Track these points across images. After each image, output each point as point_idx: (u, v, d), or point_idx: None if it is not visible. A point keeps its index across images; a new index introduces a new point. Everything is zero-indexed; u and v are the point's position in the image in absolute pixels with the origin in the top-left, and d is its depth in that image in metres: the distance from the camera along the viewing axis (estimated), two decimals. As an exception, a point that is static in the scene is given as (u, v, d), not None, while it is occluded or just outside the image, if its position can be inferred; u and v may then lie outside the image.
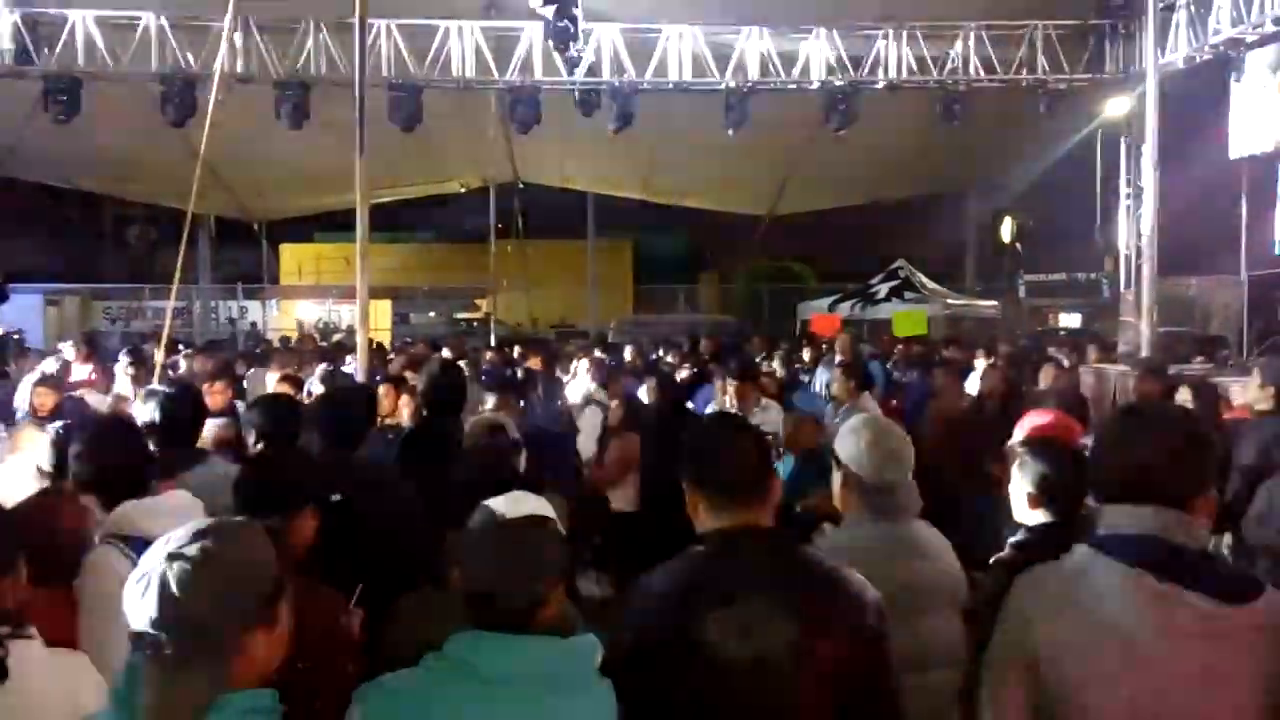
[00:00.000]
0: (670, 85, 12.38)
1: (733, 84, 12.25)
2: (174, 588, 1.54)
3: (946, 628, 2.65)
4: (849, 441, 2.78)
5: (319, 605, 2.50)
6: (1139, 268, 11.80)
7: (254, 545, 1.68)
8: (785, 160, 17.30)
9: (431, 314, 27.57)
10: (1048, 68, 12.26)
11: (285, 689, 2.18)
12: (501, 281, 21.38)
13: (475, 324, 24.52)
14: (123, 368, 7.61)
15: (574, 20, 10.52)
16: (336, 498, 3.19)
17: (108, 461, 2.88)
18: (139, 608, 1.56)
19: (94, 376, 8.75)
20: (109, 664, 2.22)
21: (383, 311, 23.94)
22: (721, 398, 6.93)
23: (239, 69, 11.53)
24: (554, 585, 1.87)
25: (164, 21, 11.62)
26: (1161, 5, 10.73)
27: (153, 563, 1.58)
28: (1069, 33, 12.36)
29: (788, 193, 20.08)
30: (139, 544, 2.68)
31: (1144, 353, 10.21)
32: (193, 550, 1.58)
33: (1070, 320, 22.25)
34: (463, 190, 21.20)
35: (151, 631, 1.54)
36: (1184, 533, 1.86)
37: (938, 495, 3.10)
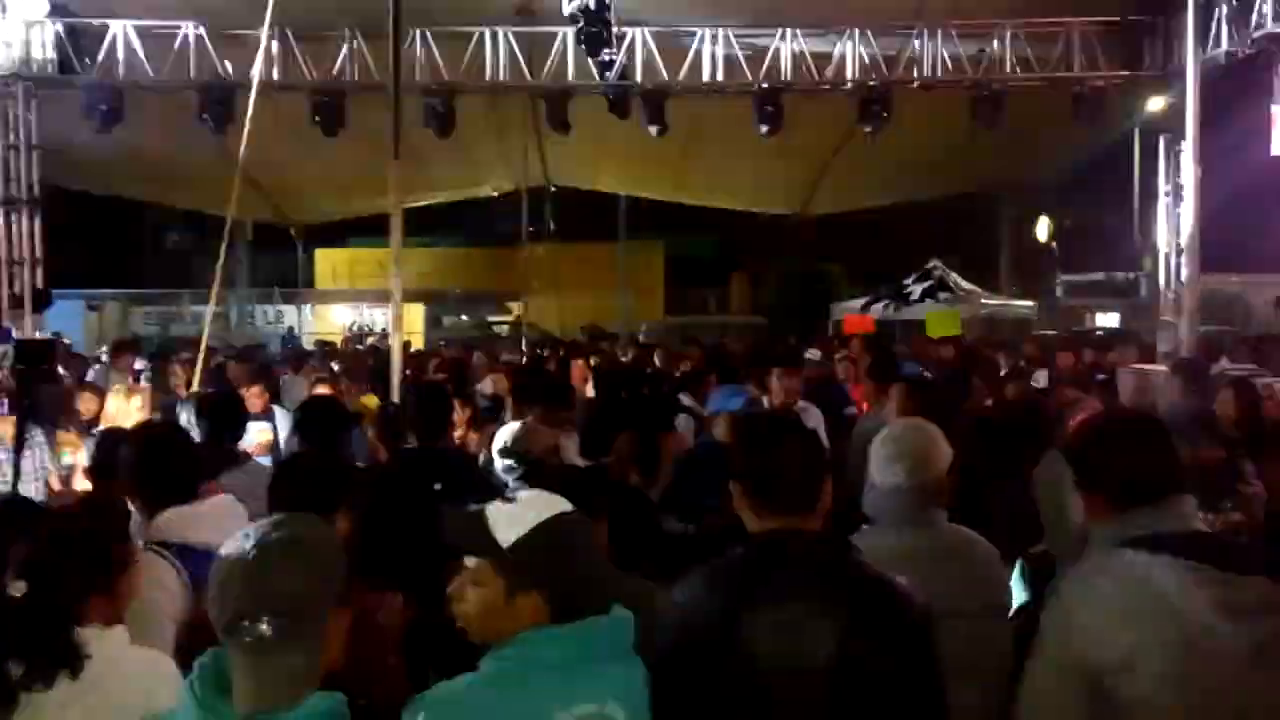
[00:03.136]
0: (703, 87, 12.36)
1: (765, 85, 12.20)
2: (271, 569, 1.59)
3: (983, 635, 2.62)
4: (872, 446, 2.78)
5: (359, 604, 2.53)
6: (1179, 266, 11.61)
7: (326, 531, 1.78)
8: (817, 160, 17.22)
9: (464, 317, 27.72)
10: (1084, 65, 12.09)
11: (329, 684, 2.21)
12: (533, 284, 21.44)
13: (508, 327, 24.64)
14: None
15: (607, 24, 10.54)
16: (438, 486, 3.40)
17: (156, 467, 2.90)
18: (232, 599, 1.59)
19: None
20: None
21: (416, 315, 24.11)
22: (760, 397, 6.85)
23: (276, 76, 11.66)
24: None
25: (202, 31, 11.78)
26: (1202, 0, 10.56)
27: (236, 555, 1.62)
28: (1106, 29, 12.18)
29: (820, 193, 19.98)
30: (180, 550, 2.71)
31: (1184, 353, 10.05)
32: (279, 535, 1.64)
33: (1108, 320, 21.97)
34: (495, 194, 21.31)
35: (246, 619, 1.57)
36: (1199, 519, 2.03)
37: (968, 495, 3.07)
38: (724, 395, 4.56)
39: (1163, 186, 12.84)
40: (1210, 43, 11.13)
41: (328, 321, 26.18)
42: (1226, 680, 1.86)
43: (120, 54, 11.86)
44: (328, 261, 29.91)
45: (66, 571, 2.05)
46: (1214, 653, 1.86)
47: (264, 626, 1.57)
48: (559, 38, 12.00)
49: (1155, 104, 13.11)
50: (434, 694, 1.83)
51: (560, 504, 1.92)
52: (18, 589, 1.98)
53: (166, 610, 2.63)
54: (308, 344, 19.33)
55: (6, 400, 3.60)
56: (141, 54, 11.88)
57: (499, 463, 3.72)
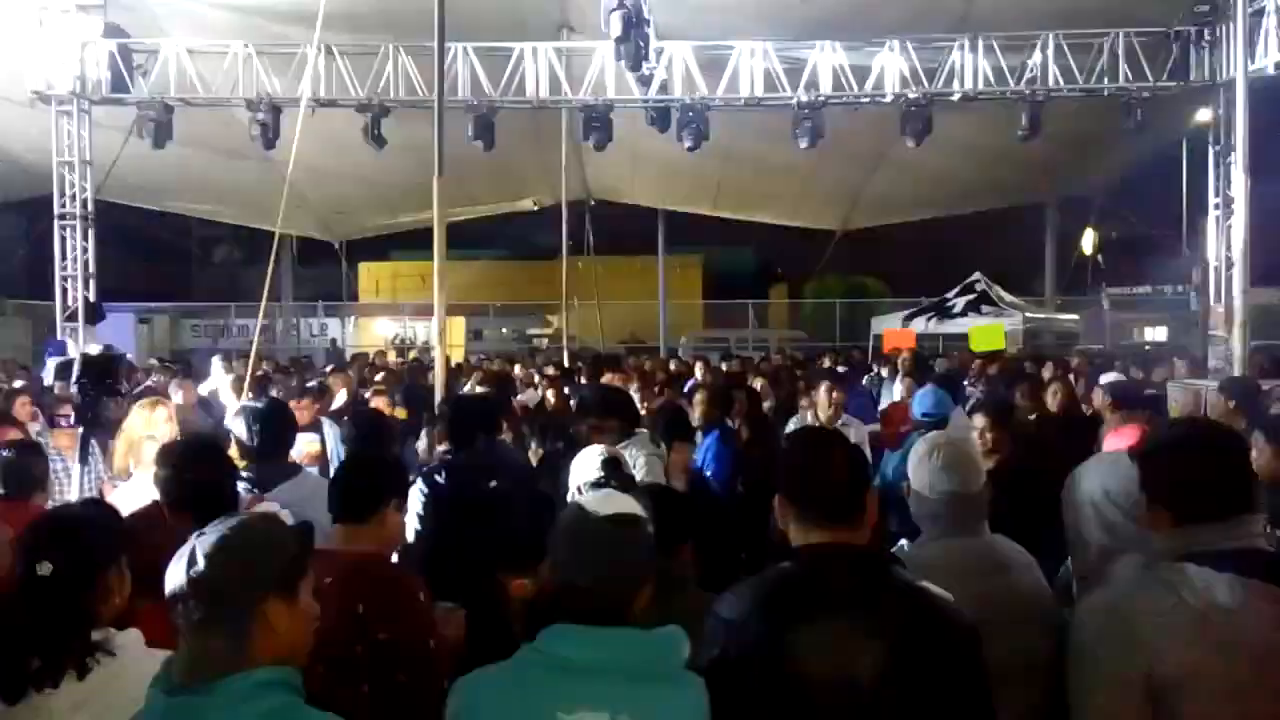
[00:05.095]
0: (742, 101, 12.38)
1: (805, 99, 12.20)
2: (201, 559, 1.72)
3: (1027, 645, 2.59)
4: (911, 460, 2.77)
5: (400, 584, 2.75)
6: (1229, 280, 11.41)
7: (274, 529, 1.86)
8: (858, 174, 17.16)
9: (504, 330, 27.90)
10: (1130, 76, 11.94)
11: (369, 659, 2.23)
12: (572, 298, 21.57)
13: (547, 340, 24.75)
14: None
15: (646, 39, 10.60)
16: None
17: (194, 480, 2.97)
18: (171, 577, 1.73)
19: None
20: None
21: (457, 328, 24.31)
22: (804, 413, 6.87)
23: (322, 93, 11.87)
24: (645, 581, 1.94)
25: (251, 50, 12.03)
26: (1251, 10, 10.40)
27: (190, 544, 1.76)
28: (1152, 39, 12.02)
29: (861, 206, 19.90)
30: None
31: (1235, 368, 9.87)
32: (218, 529, 1.77)
33: (1156, 334, 21.60)
34: (536, 208, 21.46)
35: (179, 602, 1.71)
36: (1266, 538, 1.99)
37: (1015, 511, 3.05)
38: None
39: (1211, 199, 12.65)
40: (1260, 52, 10.96)
41: (371, 334, 26.47)
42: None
43: (172, 73, 12.14)
44: (371, 275, 30.31)
45: (76, 554, 2.11)
46: (1274, 671, 1.85)
47: (192, 609, 1.69)
48: (599, 53, 12.10)
49: (1203, 115, 12.90)
50: (471, 674, 1.92)
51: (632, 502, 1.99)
52: (44, 569, 2.04)
53: None
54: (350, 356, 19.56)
55: (73, 412, 3.73)
56: (192, 73, 12.16)
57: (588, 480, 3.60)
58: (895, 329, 19.05)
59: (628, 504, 1.97)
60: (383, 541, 2.82)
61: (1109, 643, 1.98)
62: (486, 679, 1.88)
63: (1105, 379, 7.12)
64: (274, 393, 7.09)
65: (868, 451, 5.69)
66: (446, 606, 2.93)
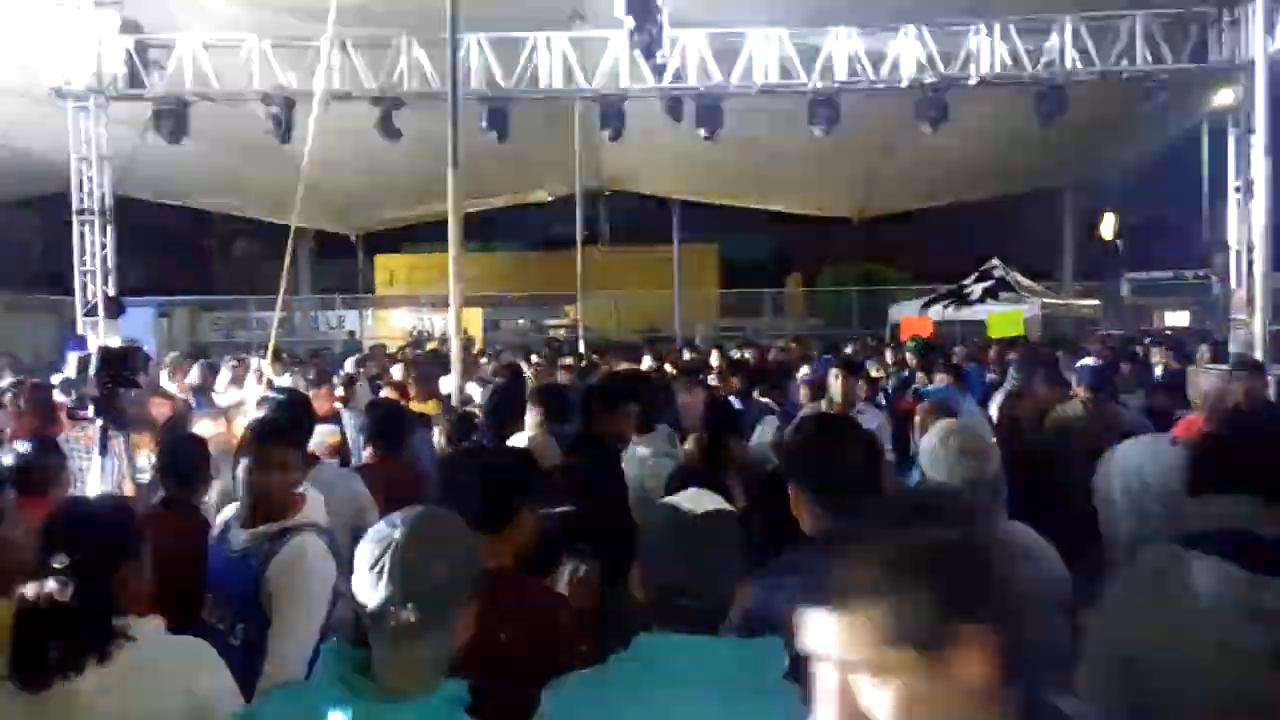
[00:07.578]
0: (757, 89, 12.32)
1: (820, 85, 12.13)
2: (419, 561, 1.70)
3: (1047, 631, 2.58)
4: (924, 447, 2.76)
5: (547, 613, 2.50)
6: (1250, 263, 11.30)
7: (456, 523, 1.86)
8: (874, 160, 17.07)
9: (520, 321, 27.95)
10: (1149, 58, 11.80)
11: (511, 688, 2.10)
12: (588, 288, 21.59)
13: (564, 330, 24.79)
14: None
15: (659, 27, 10.56)
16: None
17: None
18: (377, 587, 1.69)
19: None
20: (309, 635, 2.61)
21: (474, 319, 24.36)
22: (819, 401, 6.81)
23: (336, 86, 11.89)
24: (742, 579, 1.91)
25: (266, 44, 12.06)
26: (1271, -11, 10.28)
27: (386, 544, 1.71)
28: (1171, 21, 11.87)
29: (877, 193, 19.81)
30: (326, 532, 2.97)
31: (1258, 352, 9.79)
32: (424, 528, 1.74)
33: (1178, 319, 21.43)
34: (551, 199, 21.48)
35: (394, 605, 1.67)
36: (1270, 520, 1.96)
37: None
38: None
39: (1232, 181, 12.51)
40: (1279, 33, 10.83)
41: (388, 326, 26.60)
42: (1247, 681, 1.86)
43: (187, 68, 12.19)
44: (387, 267, 30.39)
45: (93, 543, 2.12)
46: (1238, 654, 1.85)
47: (408, 614, 1.67)
48: (612, 42, 12.06)
49: (1223, 97, 12.76)
50: (568, 680, 1.87)
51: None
52: (59, 561, 2.04)
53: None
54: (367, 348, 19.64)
55: (92, 406, 3.78)
56: (208, 67, 12.20)
57: None
58: (913, 316, 18.97)
59: (717, 500, 1.94)
60: (518, 548, 2.51)
61: (1098, 631, 2.00)
62: (582, 689, 1.82)
63: (1081, 364, 7.01)
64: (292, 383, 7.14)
65: (887, 439, 5.67)
66: (574, 564, 2.76)
